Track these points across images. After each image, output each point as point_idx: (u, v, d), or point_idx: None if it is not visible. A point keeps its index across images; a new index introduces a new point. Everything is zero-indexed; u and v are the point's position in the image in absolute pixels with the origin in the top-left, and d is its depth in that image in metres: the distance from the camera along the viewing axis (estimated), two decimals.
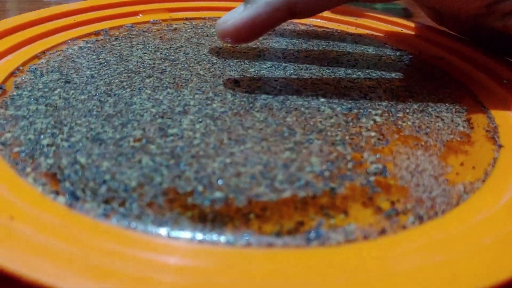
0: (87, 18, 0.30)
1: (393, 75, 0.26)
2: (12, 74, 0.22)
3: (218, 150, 0.17)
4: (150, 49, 0.26)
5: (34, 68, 0.23)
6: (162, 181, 0.15)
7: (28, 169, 0.16)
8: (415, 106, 0.22)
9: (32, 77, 0.22)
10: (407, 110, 0.22)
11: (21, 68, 0.23)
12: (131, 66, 0.24)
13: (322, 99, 0.22)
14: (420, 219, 0.15)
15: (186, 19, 0.33)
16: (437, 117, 0.21)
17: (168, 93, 0.21)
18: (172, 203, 0.15)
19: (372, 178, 0.17)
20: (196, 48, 0.27)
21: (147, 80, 0.22)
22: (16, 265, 0.11)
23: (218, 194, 0.15)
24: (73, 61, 0.24)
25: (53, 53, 0.25)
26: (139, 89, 0.21)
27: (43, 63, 0.23)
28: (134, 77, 0.22)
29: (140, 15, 0.32)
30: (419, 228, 0.15)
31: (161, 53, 0.26)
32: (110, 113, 0.19)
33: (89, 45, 0.26)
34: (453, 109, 0.22)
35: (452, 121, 0.21)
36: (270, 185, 0.16)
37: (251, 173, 0.16)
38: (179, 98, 0.21)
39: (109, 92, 0.21)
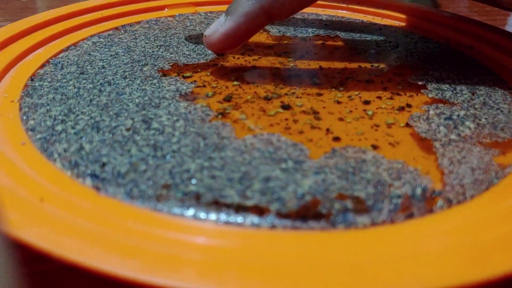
0: (114, 13, 0.30)
1: (428, 66, 0.25)
2: (42, 66, 0.23)
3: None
4: (151, 38, 0.27)
5: (57, 61, 0.24)
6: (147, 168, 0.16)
7: (55, 155, 0.16)
8: (476, 100, 0.21)
9: (53, 69, 0.23)
10: (467, 104, 0.21)
11: (50, 61, 0.24)
12: (135, 56, 0.25)
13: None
14: (449, 203, 0.15)
15: (211, 13, 0.33)
16: (497, 109, 0.21)
17: (152, 83, 0.21)
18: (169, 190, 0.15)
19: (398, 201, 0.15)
20: (188, 33, 0.28)
21: (145, 69, 0.23)
22: (45, 243, 0.12)
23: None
24: (89, 54, 0.25)
25: (74, 47, 0.25)
26: (134, 78, 0.22)
27: (64, 57, 0.24)
28: (135, 66, 0.23)
29: (166, 9, 0.33)
30: (447, 212, 0.15)
31: (159, 41, 0.27)
32: (105, 102, 0.20)
33: (101, 39, 0.27)
34: (510, 99, 0.22)
35: (510, 111, 0.21)
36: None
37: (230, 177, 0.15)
38: (159, 89, 0.21)
39: (111, 82, 0.21)
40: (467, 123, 0.19)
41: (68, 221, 0.13)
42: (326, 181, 0.15)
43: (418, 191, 0.15)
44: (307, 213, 0.14)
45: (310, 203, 0.14)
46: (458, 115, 0.20)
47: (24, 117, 0.18)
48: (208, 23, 0.30)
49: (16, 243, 0.12)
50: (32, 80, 0.22)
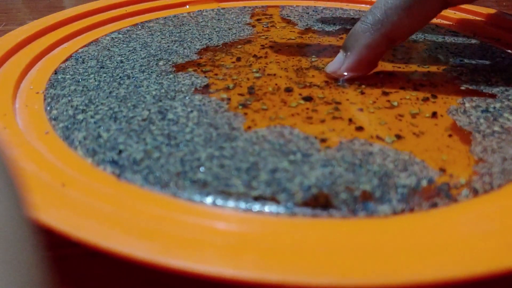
0: (136, 9, 0.31)
1: (457, 57, 0.25)
2: (66, 60, 0.24)
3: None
4: (166, 34, 0.28)
5: (79, 56, 0.24)
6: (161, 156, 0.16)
7: (76, 143, 0.16)
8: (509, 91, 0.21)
9: (75, 63, 0.23)
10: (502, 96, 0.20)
11: (74, 55, 0.24)
12: (152, 51, 0.25)
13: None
14: (475, 192, 0.14)
15: (223, 9, 0.33)
16: None
17: (168, 78, 0.22)
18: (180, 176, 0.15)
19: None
20: (201, 29, 0.28)
21: (160, 63, 0.23)
22: (65, 225, 0.12)
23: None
24: (108, 49, 0.25)
25: (95, 43, 0.26)
26: (151, 72, 0.22)
27: (85, 52, 0.25)
28: (151, 61, 0.24)
29: (187, 6, 0.33)
30: (472, 201, 0.14)
31: (174, 37, 0.27)
32: (123, 94, 0.20)
33: (119, 35, 0.27)
34: None
35: None
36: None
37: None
38: (175, 83, 0.21)
39: (130, 75, 0.22)
40: (506, 114, 0.19)
41: (87, 204, 0.13)
42: (333, 174, 0.15)
43: (425, 182, 0.15)
44: (314, 204, 0.14)
45: (316, 194, 0.14)
46: (494, 107, 0.19)
47: (48, 108, 0.19)
48: (218, 19, 0.30)
49: (39, 226, 0.12)
50: (55, 73, 0.22)
